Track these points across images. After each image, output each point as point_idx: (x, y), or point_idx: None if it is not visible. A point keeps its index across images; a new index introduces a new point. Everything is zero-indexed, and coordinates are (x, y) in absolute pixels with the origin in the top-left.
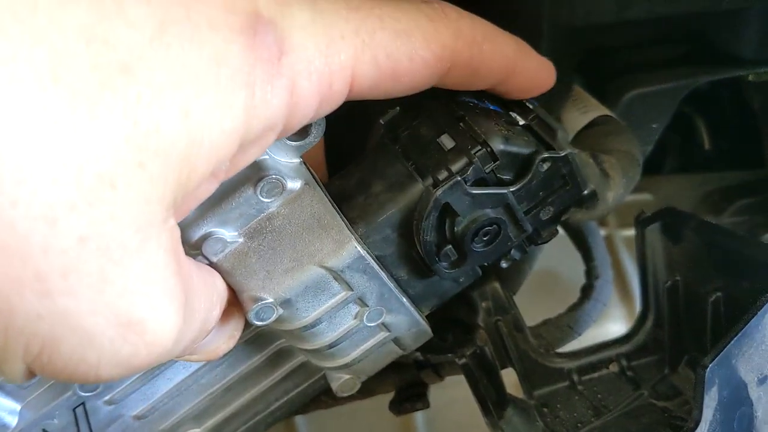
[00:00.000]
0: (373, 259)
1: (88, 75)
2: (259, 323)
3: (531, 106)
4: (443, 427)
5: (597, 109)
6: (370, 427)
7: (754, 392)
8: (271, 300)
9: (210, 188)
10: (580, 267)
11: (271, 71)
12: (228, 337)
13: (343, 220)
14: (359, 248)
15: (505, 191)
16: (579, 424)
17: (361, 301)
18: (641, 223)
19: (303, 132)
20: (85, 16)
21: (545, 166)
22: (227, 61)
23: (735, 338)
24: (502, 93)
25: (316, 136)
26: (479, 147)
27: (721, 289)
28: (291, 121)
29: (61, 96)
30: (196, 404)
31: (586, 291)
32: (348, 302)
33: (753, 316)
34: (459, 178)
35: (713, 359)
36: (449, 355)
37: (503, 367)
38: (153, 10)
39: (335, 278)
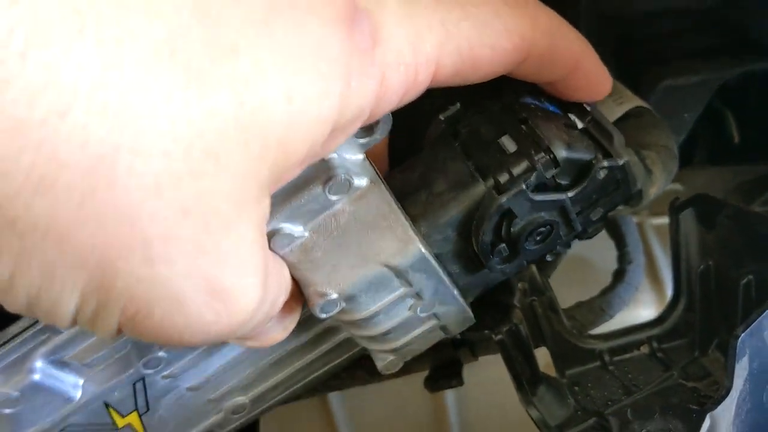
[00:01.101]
0: (433, 258)
1: (200, 52)
2: (323, 316)
3: (588, 108)
4: (473, 406)
5: (632, 100)
6: (403, 402)
7: None
8: (336, 295)
9: (296, 172)
10: (612, 253)
11: (365, 61)
12: (283, 329)
13: (406, 220)
14: (423, 250)
15: (564, 197)
16: (609, 402)
17: (418, 296)
18: (675, 209)
19: (369, 129)
20: None
21: (603, 173)
22: (327, 49)
23: (767, 311)
24: (561, 90)
25: (382, 133)
26: (542, 153)
27: (753, 273)
28: (377, 110)
29: (176, 71)
30: (245, 376)
31: (619, 275)
32: (406, 297)
33: None
34: (524, 186)
35: (745, 329)
36: (486, 332)
37: (537, 347)
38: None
39: (397, 276)
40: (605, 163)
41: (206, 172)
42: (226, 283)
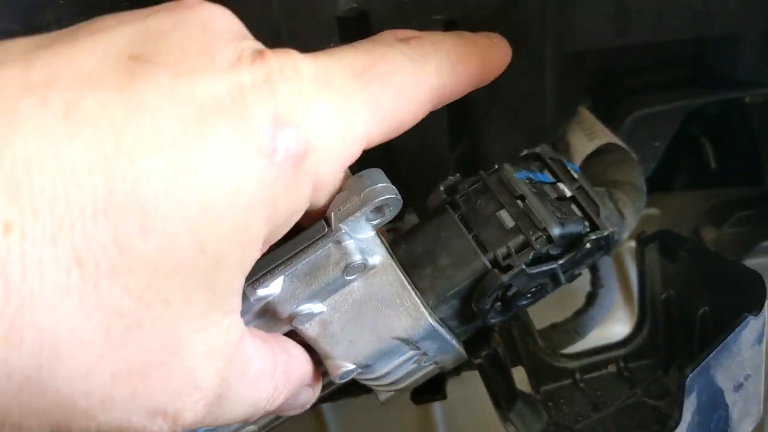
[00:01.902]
0: (441, 327)
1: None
2: (340, 382)
3: (576, 176)
4: (459, 417)
5: (604, 136)
6: (394, 414)
7: (730, 397)
8: (353, 367)
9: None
10: (585, 276)
11: (294, 176)
12: (313, 393)
13: (417, 297)
14: (433, 323)
15: (556, 266)
16: (579, 417)
17: (424, 354)
18: (641, 242)
19: (379, 210)
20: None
21: (590, 244)
22: (245, 189)
23: (713, 352)
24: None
25: (392, 214)
26: (539, 232)
27: (709, 305)
28: (316, 198)
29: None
30: None
31: (591, 298)
32: (413, 356)
33: (731, 333)
34: (524, 267)
35: (693, 369)
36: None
37: (514, 366)
38: (167, 157)
39: (407, 344)
40: (593, 236)
41: (137, 335)
42: (167, 408)
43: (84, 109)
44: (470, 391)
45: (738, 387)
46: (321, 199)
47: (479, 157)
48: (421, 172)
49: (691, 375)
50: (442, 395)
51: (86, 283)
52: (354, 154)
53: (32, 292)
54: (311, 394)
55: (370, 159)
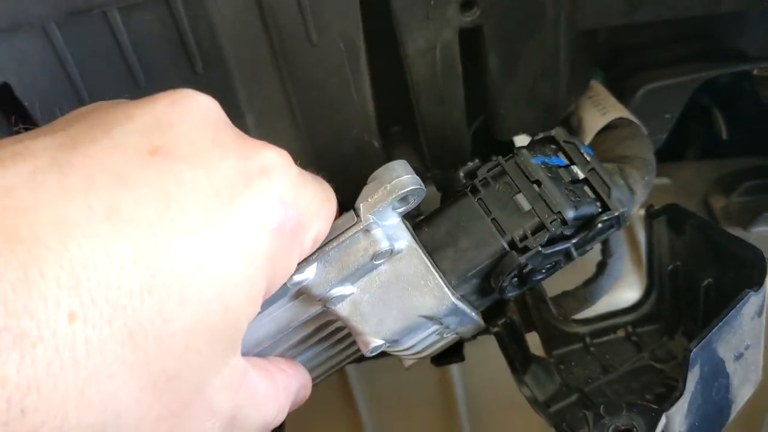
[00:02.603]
0: (462, 303)
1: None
2: (370, 355)
3: (588, 158)
4: (475, 378)
5: (615, 110)
6: (413, 375)
7: (731, 366)
8: (382, 342)
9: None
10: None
11: (290, 246)
12: (305, 396)
13: (441, 278)
14: (456, 302)
15: (569, 245)
16: (589, 380)
17: (447, 327)
18: (650, 215)
19: (404, 200)
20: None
21: (602, 224)
22: (257, 257)
23: (716, 328)
24: None
25: (416, 202)
26: (554, 217)
27: (712, 278)
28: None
29: None
30: None
31: (601, 267)
32: (437, 330)
33: (732, 309)
34: (540, 248)
35: (697, 344)
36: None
37: (528, 331)
38: (196, 240)
39: (431, 320)
40: (604, 217)
41: (172, 387)
42: None
43: (122, 210)
44: (486, 352)
45: (738, 357)
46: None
47: (495, 131)
48: (441, 146)
49: (694, 350)
50: (460, 358)
51: (137, 352)
52: (323, 232)
53: (95, 366)
54: (307, 391)
55: (393, 136)
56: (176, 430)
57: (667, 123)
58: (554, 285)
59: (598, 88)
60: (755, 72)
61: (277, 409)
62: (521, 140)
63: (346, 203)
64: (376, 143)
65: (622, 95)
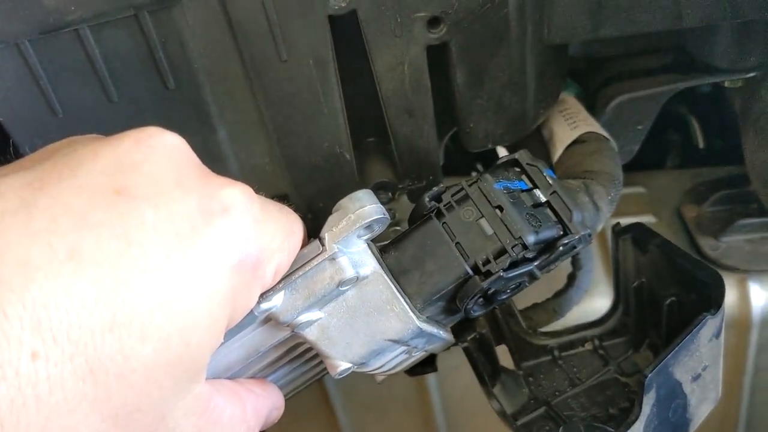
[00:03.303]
0: (428, 326)
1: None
2: (338, 378)
3: (551, 181)
4: (451, 386)
5: (585, 124)
6: (392, 383)
7: (688, 387)
8: (350, 365)
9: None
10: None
11: (252, 280)
12: (277, 417)
13: (406, 303)
14: (421, 324)
15: (532, 267)
16: (557, 392)
17: (414, 348)
18: (616, 233)
19: (368, 228)
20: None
21: (563, 247)
22: (218, 293)
23: (671, 353)
24: None
25: (380, 230)
26: (515, 242)
27: (675, 296)
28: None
29: None
30: None
31: (571, 279)
32: (405, 350)
33: (688, 334)
34: (502, 273)
35: (652, 370)
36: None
37: (498, 344)
38: (156, 278)
39: (398, 343)
40: (565, 240)
41: (134, 419)
42: None
43: (84, 251)
44: (462, 360)
45: (696, 378)
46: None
47: (466, 143)
48: (412, 158)
49: (649, 375)
50: (433, 368)
51: (98, 388)
52: (284, 265)
53: (57, 402)
54: (279, 411)
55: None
56: None
57: (639, 134)
58: (525, 296)
59: (570, 101)
60: (726, 84)
61: (245, 430)
62: (504, 150)
63: (318, 214)
64: (347, 155)
65: (594, 108)
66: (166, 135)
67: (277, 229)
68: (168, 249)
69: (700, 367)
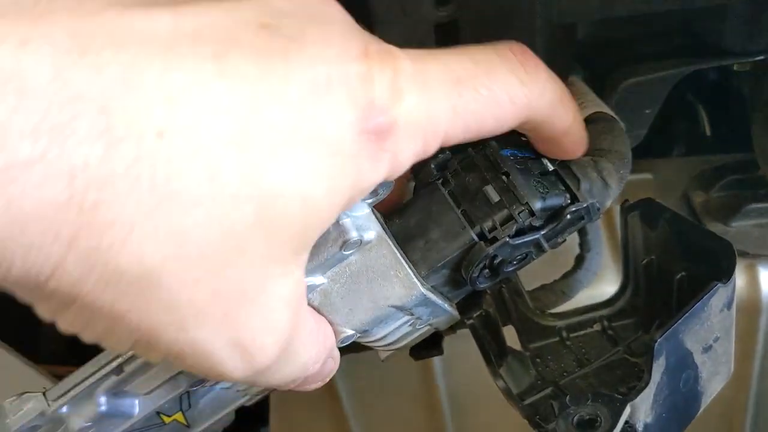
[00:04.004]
0: (432, 294)
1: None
2: (341, 345)
3: None
4: (458, 372)
5: (594, 105)
6: (397, 369)
7: (699, 358)
8: (352, 332)
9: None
10: (576, 238)
11: (378, 151)
12: (334, 361)
13: (410, 268)
14: (425, 292)
15: (538, 236)
16: (565, 373)
17: (419, 318)
18: (625, 210)
19: (373, 192)
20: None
21: (571, 215)
22: (341, 151)
23: (681, 319)
24: (545, 148)
25: (384, 194)
26: (522, 207)
27: (686, 270)
28: (389, 179)
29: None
30: None
31: (579, 261)
32: (408, 321)
33: (699, 301)
34: (508, 239)
35: (662, 335)
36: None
37: (504, 325)
38: (287, 115)
39: (402, 311)
40: (573, 208)
41: (235, 264)
42: (246, 342)
43: (228, 59)
44: (468, 346)
45: (707, 349)
46: (392, 179)
47: None
48: None
49: (659, 340)
50: (439, 351)
51: (215, 199)
52: (429, 146)
53: (171, 194)
54: (333, 365)
55: None
56: (229, 323)
57: (647, 118)
58: (533, 279)
59: (577, 83)
60: (735, 67)
61: (315, 354)
62: None
63: None
64: None
65: (602, 91)
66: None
67: (422, 109)
68: (302, 91)
69: (711, 338)
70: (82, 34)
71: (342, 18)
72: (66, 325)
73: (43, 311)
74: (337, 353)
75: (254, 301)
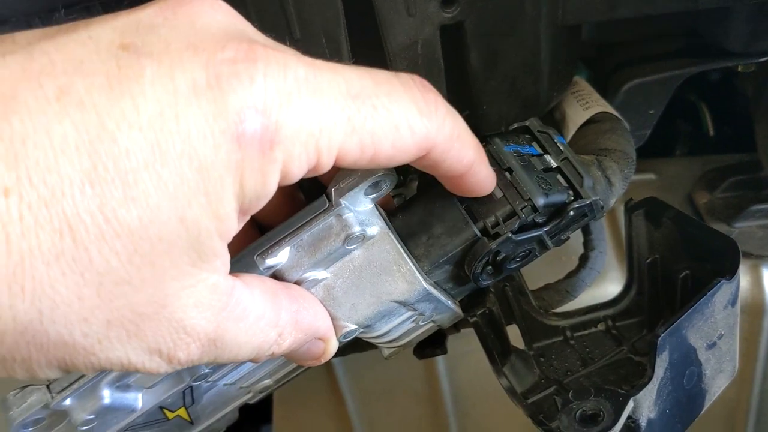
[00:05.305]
0: (435, 289)
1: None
2: (343, 341)
3: (562, 147)
4: (461, 371)
5: (598, 105)
6: (400, 368)
7: (703, 355)
8: (355, 327)
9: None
10: (580, 238)
11: (261, 161)
12: (332, 347)
13: (413, 264)
14: (427, 287)
15: (541, 232)
16: (569, 372)
17: (420, 314)
18: (629, 209)
19: (376, 186)
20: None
21: (574, 212)
22: (214, 163)
23: (685, 314)
24: (451, 185)
25: (388, 188)
26: (525, 203)
27: (689, 269)
28: (283, 183)
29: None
30: (272, 367)
31: (583, 260)
32: (411, 316)
33: (702, 296)
34: (510, 235)
35: (665, 330)
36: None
37: (508, 324)
38: (145, 136)
39: (404, 306)
40: (576, 205)
41: (122, 295)
42: (163, 347)
43: (73, 93)
44: (471, 345)
45: (711, 346)
46: (286, 184)
47: (479, 125)
48: None
49: (663, 335)
50: (443, 350)
51: (77, 246)
52: (323, 160)
53: (30, 249)
54: (324, 348)
55: None
56: (137, 339)
57: (650, 119)
58: (537, 278)
59: (582, 83)
60: (739, 68)
61: (274, 337)
62: None
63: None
64: None
65: (606, 92)
66: (204, 2)
67: (312, 115)
68: (162, 106)
69: (715, 334)
70: None
71: (223, 20)
72: None
73: None
74: (328, 335)
75: (156, 315)
